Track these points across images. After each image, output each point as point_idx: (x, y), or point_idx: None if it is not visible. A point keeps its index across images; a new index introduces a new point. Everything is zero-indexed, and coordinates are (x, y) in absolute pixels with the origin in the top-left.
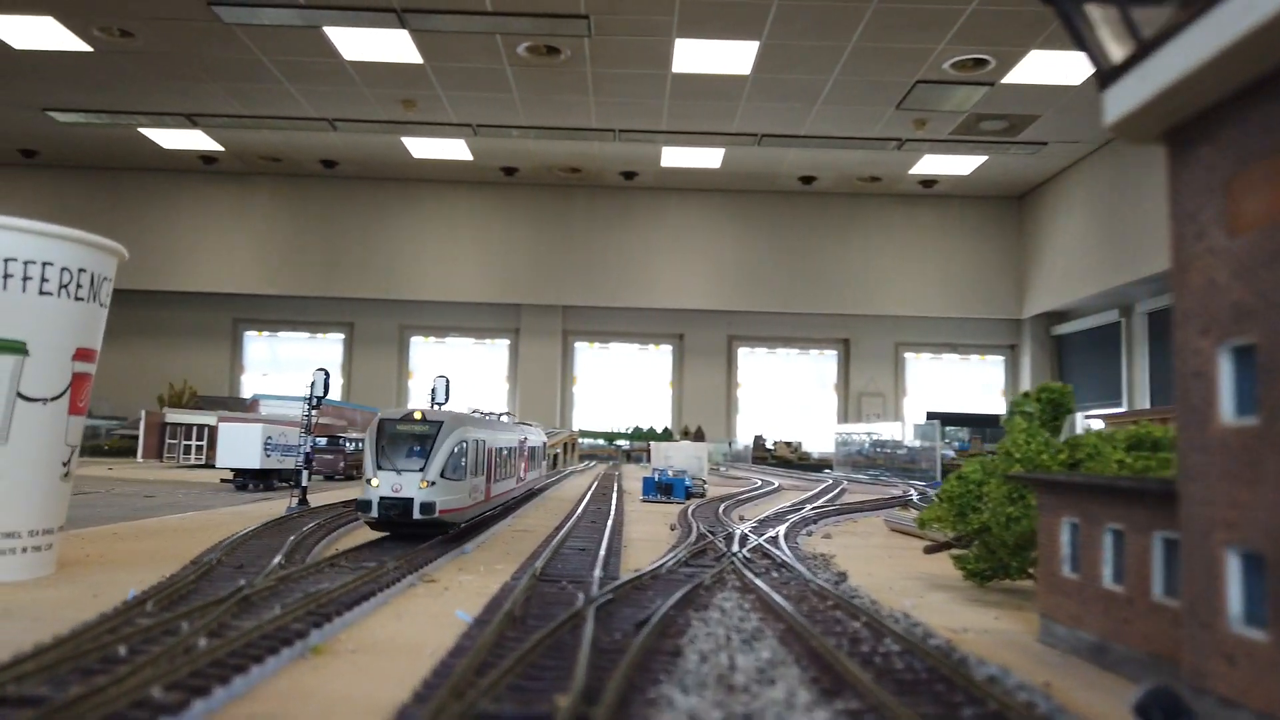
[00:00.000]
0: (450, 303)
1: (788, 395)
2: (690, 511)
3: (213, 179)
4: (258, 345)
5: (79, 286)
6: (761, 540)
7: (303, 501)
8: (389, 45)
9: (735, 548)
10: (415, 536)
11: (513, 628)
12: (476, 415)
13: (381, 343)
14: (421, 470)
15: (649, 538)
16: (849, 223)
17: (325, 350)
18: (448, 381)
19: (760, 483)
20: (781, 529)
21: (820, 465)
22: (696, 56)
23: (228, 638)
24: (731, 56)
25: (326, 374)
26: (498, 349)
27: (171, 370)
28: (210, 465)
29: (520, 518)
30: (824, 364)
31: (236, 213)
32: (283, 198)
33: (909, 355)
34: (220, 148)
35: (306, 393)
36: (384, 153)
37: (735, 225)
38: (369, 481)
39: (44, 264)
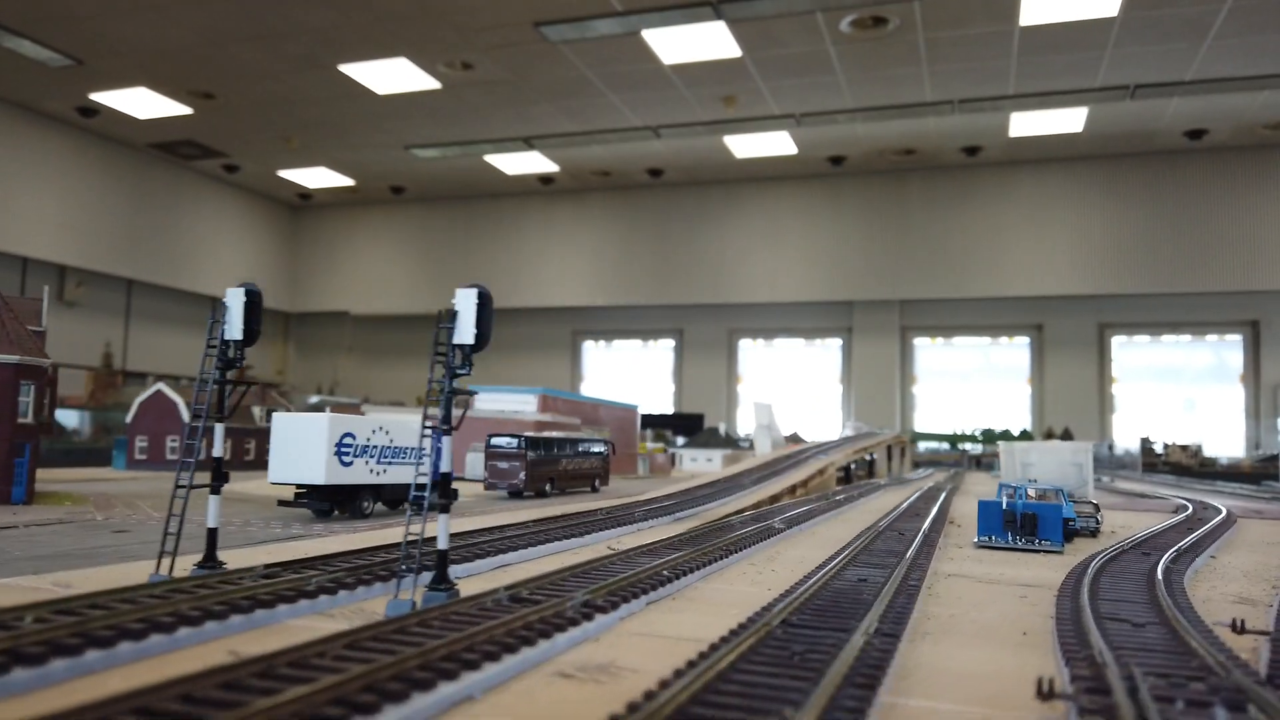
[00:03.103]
0: (778, 304)
1: (1176, 389)
2: (1087, 583)
3: (551, 199)
4: (593, 354)
5: None
6: None
7: (209, 559)
8: (706, 41)
9: None
10: None
11: None
12: None
13: (710, 347)
14: None
15: None
16: (1254, 181)
17: (656, 357)
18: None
19: (1189, 508)
20: None
21: (1231, 474)
22: (1048, 2)
23: None
24: None
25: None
26: (829, 349)
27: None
28: None
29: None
30: (1225, 351)
31: (573, 229)
32: (614, 210)
33: None
34: (555, 168)
35: None
36: (707, 156)
37: (1103, 196)
38: None
39: None
